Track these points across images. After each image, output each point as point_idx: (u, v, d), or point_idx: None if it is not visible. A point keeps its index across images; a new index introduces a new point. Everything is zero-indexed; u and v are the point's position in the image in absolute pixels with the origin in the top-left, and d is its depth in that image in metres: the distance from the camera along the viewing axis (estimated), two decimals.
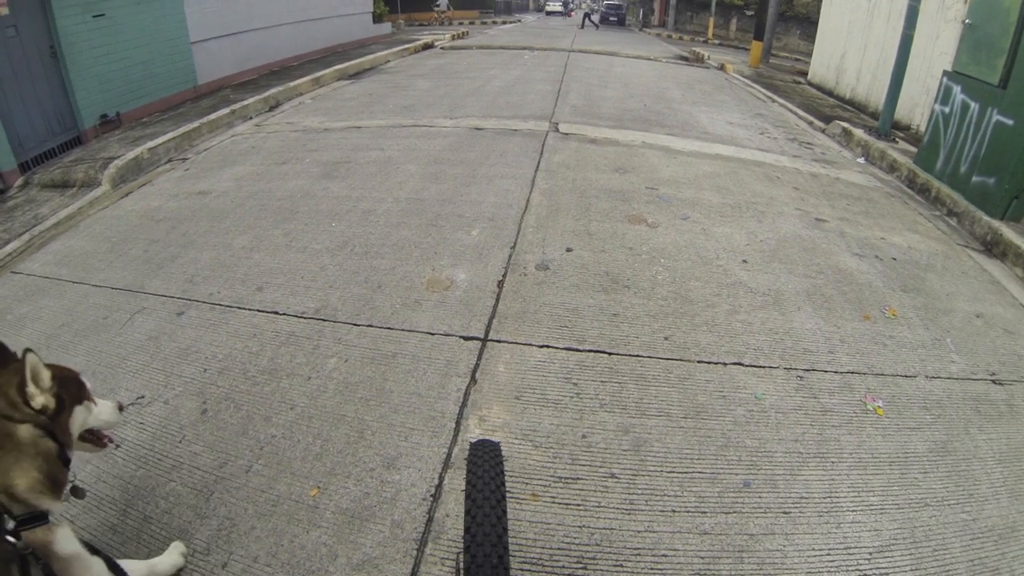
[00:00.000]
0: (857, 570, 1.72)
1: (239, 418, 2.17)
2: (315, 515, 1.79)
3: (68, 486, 1.33)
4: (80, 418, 1.39)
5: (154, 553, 1.67)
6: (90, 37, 5.73)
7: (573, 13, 41.18)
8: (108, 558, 1.38)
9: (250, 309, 2.85)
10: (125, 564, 1.46)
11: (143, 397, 2.29)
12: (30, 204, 4.35)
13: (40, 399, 1.28)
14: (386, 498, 1.84)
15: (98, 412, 1.47)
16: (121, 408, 1.54)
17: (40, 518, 1.24)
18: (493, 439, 1.45)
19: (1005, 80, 4.21)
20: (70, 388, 1.38)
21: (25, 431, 1.24)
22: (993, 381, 2.65)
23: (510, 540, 1.15)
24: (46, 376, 1.30)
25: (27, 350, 1.26)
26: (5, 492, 1.18)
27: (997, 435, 2.32)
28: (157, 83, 6.89)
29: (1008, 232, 4.02)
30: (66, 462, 1.32)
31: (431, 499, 1.84)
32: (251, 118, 6.77)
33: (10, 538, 1.15)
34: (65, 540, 1.27)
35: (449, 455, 2.00)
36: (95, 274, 3.25)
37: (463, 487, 1.20)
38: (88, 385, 1.45)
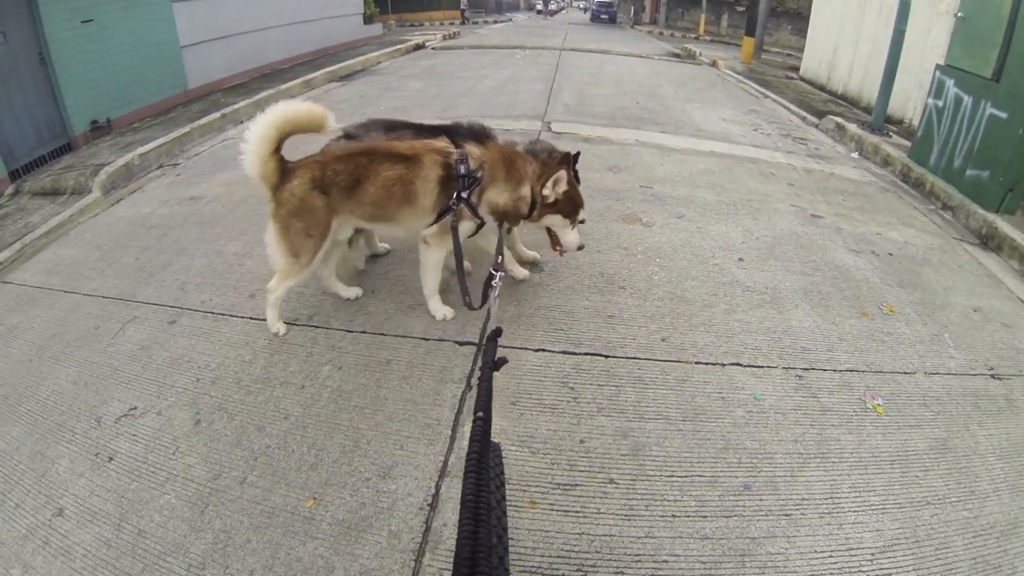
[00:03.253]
0: (860, 571, 1.71)
1: (233, 428, 2.14)
2: (311, 526, 1.76)
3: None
4: (551, 220, 2.61)
5: (148, 569, 1.65)
6: (79, 43, 5.68)
7: (558, 12, 40.91)
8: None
9: (242, 317, 2.82)
10: None
11: (136, 408, 2.26)
12: (20, 213, 4.30)
13: (549, 195, 2.54)
14: (383, 508, 1.81)
15: (568, 233, 2.69)
16: (580, 247, 2.75)
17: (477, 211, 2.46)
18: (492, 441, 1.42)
19: (998, 73, 4.22)
20: (566, 207, 2.61)
21: (526, 191, 2.52)
22: (992, 376, 2.64)
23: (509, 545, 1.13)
24: (559, 188, 2.52)
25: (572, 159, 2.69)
26: (493, 205, 2.48)
27: (997, 431, 2.32)
28: (147, 88, 6.84)
29: (1003, 225, 4.02)
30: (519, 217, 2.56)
31: (428, 508, 1.81)
32: (242, 122, 6.71)
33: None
34: (465, 229, 2.48)
35: (445, 463, 1.97)
36: (86, 283, 3.21)
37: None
38: (578, 217, 2.70)
